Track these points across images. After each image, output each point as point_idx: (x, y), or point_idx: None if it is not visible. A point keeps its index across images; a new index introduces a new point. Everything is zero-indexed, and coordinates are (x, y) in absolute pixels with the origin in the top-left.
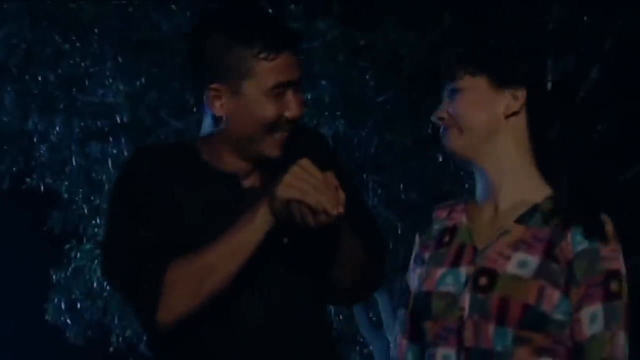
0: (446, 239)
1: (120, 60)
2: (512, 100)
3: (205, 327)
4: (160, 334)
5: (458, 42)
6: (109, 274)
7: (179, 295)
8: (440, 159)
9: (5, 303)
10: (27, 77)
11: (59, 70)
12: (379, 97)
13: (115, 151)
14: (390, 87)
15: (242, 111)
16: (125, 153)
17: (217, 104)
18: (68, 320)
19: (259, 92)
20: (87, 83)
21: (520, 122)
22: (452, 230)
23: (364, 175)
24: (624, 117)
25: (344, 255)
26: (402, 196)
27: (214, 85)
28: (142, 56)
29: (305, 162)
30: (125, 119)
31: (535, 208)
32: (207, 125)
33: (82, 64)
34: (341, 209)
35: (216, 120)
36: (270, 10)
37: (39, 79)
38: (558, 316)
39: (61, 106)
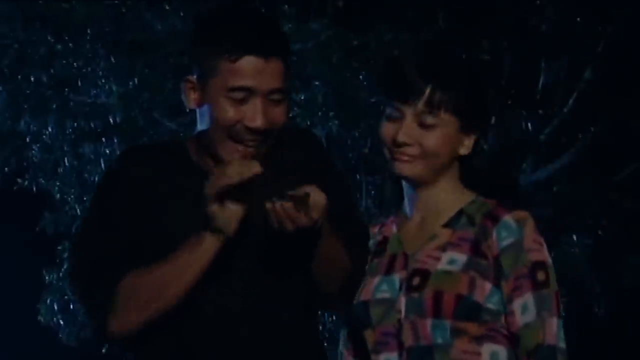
0: (379, 249)
1: (113, 60)
2: (469, 142)
3: (182, 330)
4: (112, 343)
5: (443, 77)
6: (71, 277)
7: (129, 309)
8: None
9: None
10: (19, 77)
11: (52, 71)
12: (372, 97)
13: (108, 152)
14: None
15: (206, 109)
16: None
17: (191, 96)
18: (61, 321)
19: (219, 92)
20: (79, 83)
21: None
22: (384, 242)
23: (358, 176)
24: (618, 118)
25: (328, 259)
26: None
27: (189, 77)
28: (136, 57)
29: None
30: (118, 120)
31: (460, 213)
32: (198, 124)
33: (75, 65)
34: (316, 215)
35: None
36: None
37: (32, 79)
38: (490, 306)
39: (54, 107)
